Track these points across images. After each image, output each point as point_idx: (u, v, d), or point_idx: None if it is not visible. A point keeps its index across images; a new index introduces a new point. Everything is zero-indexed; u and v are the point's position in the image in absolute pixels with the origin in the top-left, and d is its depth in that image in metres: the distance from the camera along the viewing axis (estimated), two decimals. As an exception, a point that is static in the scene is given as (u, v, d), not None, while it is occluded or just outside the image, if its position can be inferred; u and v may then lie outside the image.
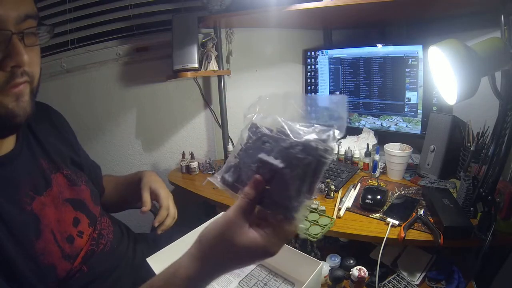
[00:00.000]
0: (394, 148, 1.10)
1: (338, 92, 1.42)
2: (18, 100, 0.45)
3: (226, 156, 1.41)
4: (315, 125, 0.36)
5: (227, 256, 0.38)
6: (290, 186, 0.34)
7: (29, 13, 0.45)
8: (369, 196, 0.91)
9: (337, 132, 0.36)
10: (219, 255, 0.38)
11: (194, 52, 1.20)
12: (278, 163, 0.35)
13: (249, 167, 0.38)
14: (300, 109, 0.39)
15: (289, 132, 0.36)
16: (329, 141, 0.35)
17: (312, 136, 0.34)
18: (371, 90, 1.33)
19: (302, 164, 0.34)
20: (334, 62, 1.40)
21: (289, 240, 0.39)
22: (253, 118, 0.40)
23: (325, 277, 0.82)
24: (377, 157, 1.12)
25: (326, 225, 0.84)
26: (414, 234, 0.79)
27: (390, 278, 0.84)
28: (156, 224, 0.71)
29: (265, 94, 0.41)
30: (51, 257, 0.51)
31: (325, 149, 0.34)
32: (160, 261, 0.64)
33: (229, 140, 1.43)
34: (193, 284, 0.39)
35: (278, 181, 0.35)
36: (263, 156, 0.36)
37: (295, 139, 0.35)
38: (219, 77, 1.36)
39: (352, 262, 0.86)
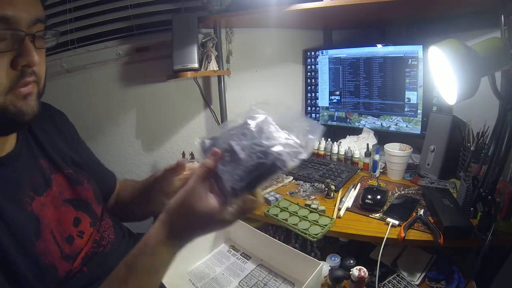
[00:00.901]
0: (394, 148, 1.10)
1: (338, 93, 1.42)
2: (26, 99, 0.47)
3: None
4: (292, 139, 0.42)
5: (190, 220, 0.43)
6: (238, 171, 0.41)
7: (39, 17, 0.47)
8: (369, 196, 0.91)
9: (304, 155, 0.41)
10: (183, 219, 0.43)
11: (194, 52, 1.19)
12: (239, 150, 0.42)
13: (221, 145, 0.45)
14: (289, 121, 0.45)
15: (267, 134, 0.42)
16: (292, 157, 0.40)
17: (279, 148, 0.40)
18: (371, 90, 1.33)
19: (257, 161, 0.40)
20: (334, 62, 1.40)
21: (245, 215, 0.45)
22: (252, 110, 0.46)
23: (325, 277, 0.82)
24: (377, 157, 1.12)
25: (326, 225, 0.84)
26: (414, 234, 0.79)
27: (390, 278, 0.84)
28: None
29: (272, 100, 0.49)
30: (52, 257, 0.51)
31: (283, 162, 0.40)
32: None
33: (229, 140, 1.43)
34: (163, 250, 0.44)
35: (232, 164, 0.42)
36: (233, 143, 0.43)
37: (265, 142, 0.41)
38: (219, 77, 1.36)
39: (352, 262, 0.86)
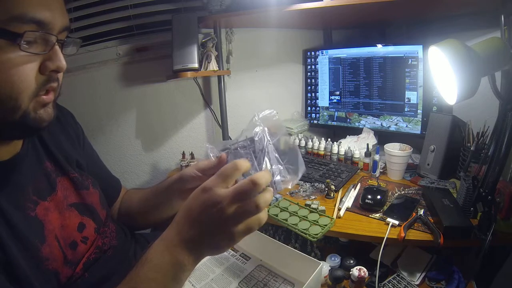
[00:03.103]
0: (394, 148, 1.10)
1: (338, 93, 1.42)
2: (46, 106, 0.48)
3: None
4: (282, 169, 0.51)
5: (195, 215, 0.44)
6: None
7: (67, 25, 0.48)
8: (369, 196, 0.91)
9: (291, 183, 0.51)
10: (188, 216, 0.44)
11: (194, 52, 1.19)
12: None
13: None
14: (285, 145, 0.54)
15: (266, 162, 0.51)
16: (279, 186, 0.50)
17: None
18: (371, 90, 1.33)
19: None
20: (334, 62, 1.40)
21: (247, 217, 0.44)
22: (258, 131, 0.53)
23: (325, 277, 0.82)
24: (377, 157, 1.12)
25: (326, 225, 0.84)
26: (414, 234, 0.79)
27: (390, 278, 0.84)
28: None
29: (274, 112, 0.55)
30: (55, 263, 0.51)
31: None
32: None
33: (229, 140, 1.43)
34: (167, 257, 0.43)
35: None
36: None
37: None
38: (219, 77, 1.36)
39: (352, 262, 0.86)
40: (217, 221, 0.42)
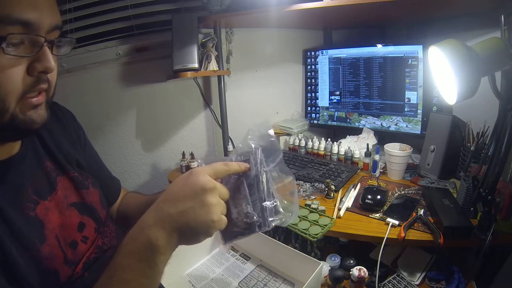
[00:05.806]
0: (394, 148, 1.10)
1: (338, 93, 1.42)
2: (36, 108, 0.47)
3: (226, 156, 1.41)
4: (276, 203, 0.47)
5: (178, 192, 0.44)
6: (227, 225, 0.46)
7: (58, 24, 0.47)
8: (369, 196, 0.91)
9: (285, 220, 0.47)
10: (171, 195, 0.45)
11: (194, 52, 1.19)
12: (233, 208, 0.47)
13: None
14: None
15: (258, 193, 0.47)
16: (272, 224, 0.46)
17: (260, 220, 0.46)
18: (371, 90, 1.33)
19: (243, 230, 0.47)
20: (334, 62, 1.40)
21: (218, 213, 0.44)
22: (252, 154, 0.50)
23: (325, 277, 0.82)
24: (377, 157, 1.12)
25: (326, 225, 0.84)
26: (414, 234, 0.79)
27: (390, 278, 0.84)
28: None
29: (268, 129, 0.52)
30: (55, 262, 0.51)
31: (260, 229, 0.46)
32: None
33: (229, 140, 1.43)
34: (141, 239, 0.42)
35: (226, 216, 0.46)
36: (229, 199, 0.48)
37: (251, 211, 0.47)
38: (219, 77, 1.36)
39: (352, 262, 0.86)
40: (198, 202, 0.43)
